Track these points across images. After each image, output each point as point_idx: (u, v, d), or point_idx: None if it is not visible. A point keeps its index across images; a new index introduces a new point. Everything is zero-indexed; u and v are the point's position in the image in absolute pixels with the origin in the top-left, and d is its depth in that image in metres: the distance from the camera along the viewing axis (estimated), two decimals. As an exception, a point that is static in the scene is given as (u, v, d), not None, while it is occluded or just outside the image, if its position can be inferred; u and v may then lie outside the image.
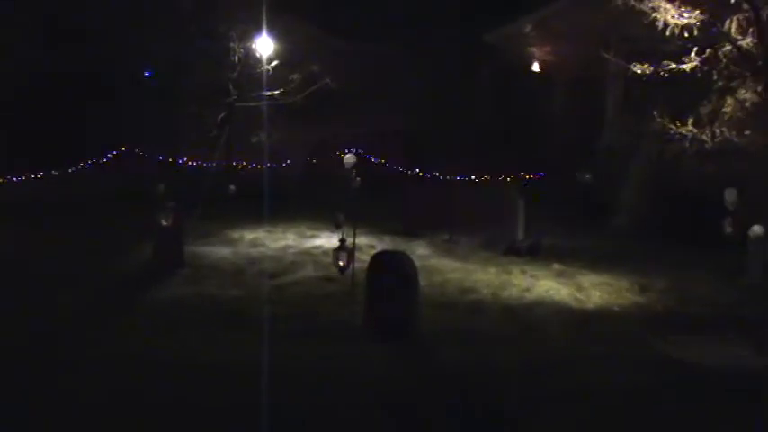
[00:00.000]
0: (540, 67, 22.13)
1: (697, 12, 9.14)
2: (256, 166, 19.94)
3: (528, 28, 21.21)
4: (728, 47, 9.28)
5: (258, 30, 17.79)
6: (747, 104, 9.57)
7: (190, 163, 19.53)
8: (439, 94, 24.60)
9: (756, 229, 11.09)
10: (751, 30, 9.10)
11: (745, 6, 8.99)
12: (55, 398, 7.29)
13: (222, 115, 19.43)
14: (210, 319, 10.37)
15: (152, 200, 13.54)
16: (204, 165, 19.11)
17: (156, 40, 18.15)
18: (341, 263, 11.02)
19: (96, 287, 11.88)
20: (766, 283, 11.80)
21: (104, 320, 10.22)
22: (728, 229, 12.37)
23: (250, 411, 7.03)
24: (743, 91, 9.68)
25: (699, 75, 9.52)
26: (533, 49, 21.95)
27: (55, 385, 7.64)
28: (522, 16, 21.23)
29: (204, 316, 10.54)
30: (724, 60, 9.42)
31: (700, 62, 9.40)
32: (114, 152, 18.46)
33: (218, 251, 14.43)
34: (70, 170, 16.53)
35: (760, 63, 9.10)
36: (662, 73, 9.59)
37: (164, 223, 12.94)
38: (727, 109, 9.92)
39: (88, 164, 17.73)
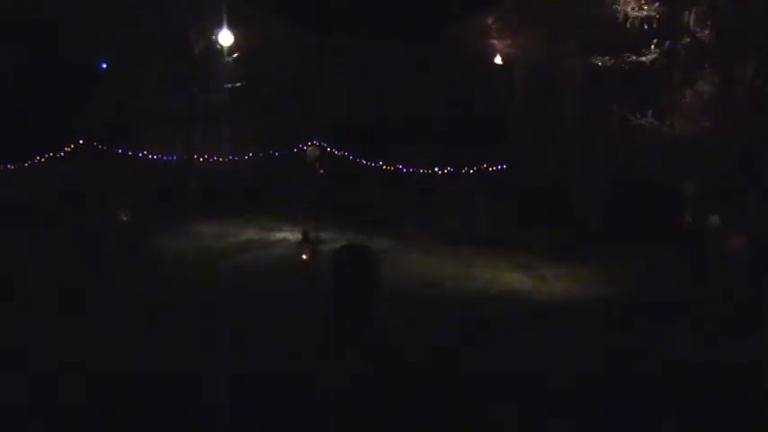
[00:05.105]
0: (502, 60, 22.16)
1: (657, 4, 9.22)
2: (218, 158, 19.81)
3: (489, 20, 21.22)
4: (687, 39, 9.37)
5: (219, 22, 17.63)
6: (705, 97, 9.67)
7: (150, 156, 19.34)
8: (402, 87, 24.56)
9: (714, 219, 11.22)
10: (709, 22, 9.19)
11: (704, -2, 9.09)
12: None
13: (183, 108, 19.30)
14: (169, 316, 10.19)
15: (113, 195, 13.28)
16: (164, 158, 18.94)
17: (112, 31, 17.91)
18: (304, 256, 10.95)
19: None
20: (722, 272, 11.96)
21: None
22: (687, 220, 12.53)
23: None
24: (701, 83, 9.78)
25: (658, 67, 9.60)
26: (494, 42, 21.97)
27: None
28: (484, 8, 21.22)
29: (162, 312, 10.34)
30: (683, 53, 9.51)
31: (659, 55, 9.47)
32: (71, 146, 18.20)
33: (179, 245, 14.23)
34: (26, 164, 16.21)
35: (718, 55, 9.20)
36: (622, 65, 9.66)
37: (123, 218, 12.77)
38: (686, 101, 10.02)
39: (45, 157, 17.46)
